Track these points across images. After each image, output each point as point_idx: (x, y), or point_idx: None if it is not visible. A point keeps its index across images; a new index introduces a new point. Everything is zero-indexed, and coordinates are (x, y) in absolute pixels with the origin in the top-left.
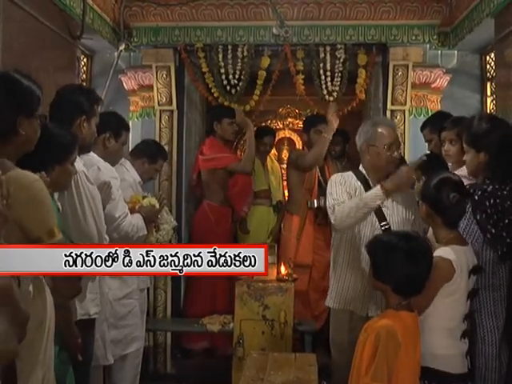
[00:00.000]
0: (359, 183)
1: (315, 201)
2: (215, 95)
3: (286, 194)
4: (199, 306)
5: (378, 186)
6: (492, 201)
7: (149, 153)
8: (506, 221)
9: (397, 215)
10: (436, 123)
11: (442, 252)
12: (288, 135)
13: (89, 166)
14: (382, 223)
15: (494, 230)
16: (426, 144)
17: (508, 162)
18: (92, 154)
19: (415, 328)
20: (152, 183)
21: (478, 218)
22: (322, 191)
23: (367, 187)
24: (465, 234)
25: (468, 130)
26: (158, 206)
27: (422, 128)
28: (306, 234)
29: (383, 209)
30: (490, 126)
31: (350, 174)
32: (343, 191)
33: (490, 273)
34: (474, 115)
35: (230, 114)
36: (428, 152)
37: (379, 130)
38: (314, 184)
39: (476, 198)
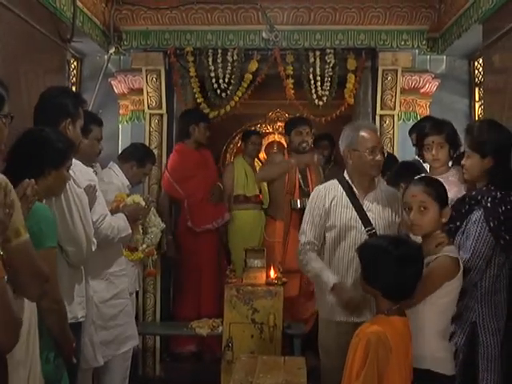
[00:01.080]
0: (341, 190)
1: (298, 201)
2: (198, 101)
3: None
4: (188, 309)
5: (331, 284)
6: (504, 207)
7: (137, 156)
8: None
9: (382, 219)
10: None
11: (449, 250)
12: (278, 139)
13: None
14: (368, 228)
15: (507, 237)
16: (414, 148)
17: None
18: None
19: (406, 333)
20: (141, 187)
21: (492, 225)
22: (303, 194)
23: (351, 194)
24: (479, 242)
25: (472, 134)
26: (143, 203)
27: (410, 132)
28: (292, 239)
29: (368, 213)
30: (496, 132)
31: (335, 182)
32: (314, 217)
33: (494, 276)
34: (475, 121)
35: (206, 118)
36: (416, 156)
37: (361, 133)
38: (294, 187)
39: (488, 205)
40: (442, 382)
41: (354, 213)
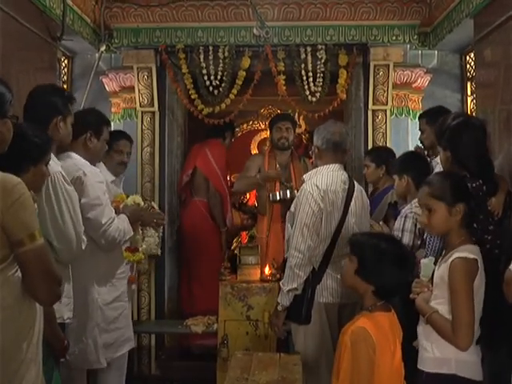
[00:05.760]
0: None
1: (277, 193)
2: (192, 97)
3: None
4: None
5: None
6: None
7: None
8: None
9: None
10: (433, 117)
11: (464, 252)
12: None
13: (74, 170)
14: None
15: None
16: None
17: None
18: (75, 155)
19: (392, 328)
20: (135, 185)
21: None
22: (283, 187)
23: None
24: None
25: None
26: (142, 204)
27: (420, 117)
28: (273, 232)
29: None
30: (448, 124)
31: None
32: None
33: None
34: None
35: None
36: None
37: None
38: (275, 183)
39: None
40: None
41: None
